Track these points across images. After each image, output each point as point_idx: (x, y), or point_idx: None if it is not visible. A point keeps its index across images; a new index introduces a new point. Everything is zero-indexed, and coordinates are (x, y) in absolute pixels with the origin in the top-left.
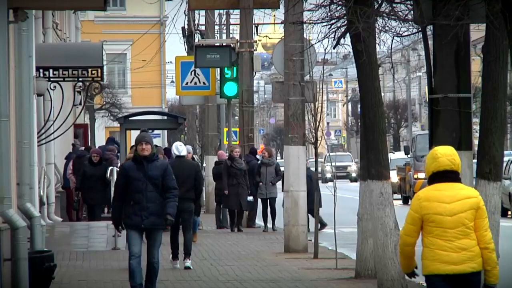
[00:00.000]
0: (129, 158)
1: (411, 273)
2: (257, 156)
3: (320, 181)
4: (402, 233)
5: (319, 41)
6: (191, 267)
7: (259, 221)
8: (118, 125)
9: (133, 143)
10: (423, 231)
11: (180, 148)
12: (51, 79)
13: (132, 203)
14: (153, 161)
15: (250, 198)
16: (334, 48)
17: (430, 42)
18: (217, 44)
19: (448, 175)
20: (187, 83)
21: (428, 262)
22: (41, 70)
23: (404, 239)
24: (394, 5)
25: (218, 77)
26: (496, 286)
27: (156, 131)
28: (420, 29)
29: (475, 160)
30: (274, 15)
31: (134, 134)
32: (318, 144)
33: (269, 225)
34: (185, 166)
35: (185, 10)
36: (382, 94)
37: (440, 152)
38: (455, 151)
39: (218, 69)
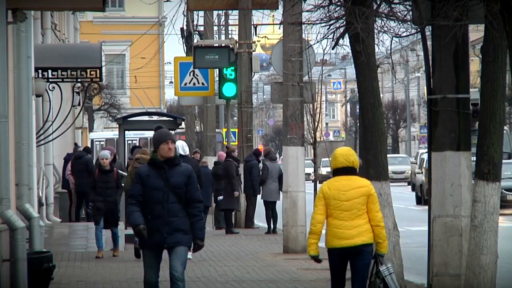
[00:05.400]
0: (138, 158)
1: (317, 257)
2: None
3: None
4: (313, 214)
5: (318, 42)
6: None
7: (257, 221)
8: (117, 125)
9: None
10: (327, 214)
11: (185, 148)
12: (50, 79)
13: (150, 217)
14: (175, 165)
15: (220, 197)
16: (333, 49)
17: (429, 43)
18: (216, 44)
19: (344, 170)
20: (186, 84)
21: (329, 238)
22: (40, 71)
23: (316, 217)
24: (393, 5)
25: (217, 78)
26: (385, 255)
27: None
28: (419, 29)
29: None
30: (273, 16)
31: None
32: (316, 145)
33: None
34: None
35: (184, 11)
36: (381, 94)
37: (338, 152)
38: (353, 151)
39: (217, 69)
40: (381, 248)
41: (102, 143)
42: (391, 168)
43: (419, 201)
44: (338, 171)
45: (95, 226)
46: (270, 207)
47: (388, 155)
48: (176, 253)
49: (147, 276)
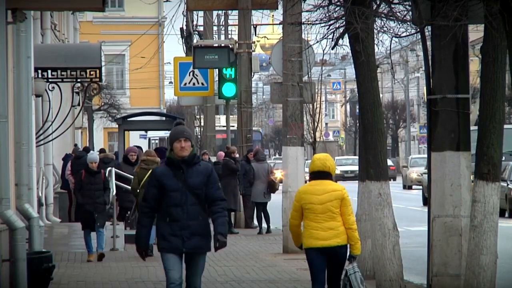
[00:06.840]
0: (144, 159)
1: (301, 246)
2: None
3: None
4: (289, 218)
5: (317, 42)
6: None
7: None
8: (117, 126)
9: (132, 143)
10: (303, 216)
11: None
12: (50, 80)
13: (169, 220)
14: (194, 164)
15: None
16: (332, 49)
17: (429, 43)
18: (216, 45)
19: (320, 174)
20: (185, 84)
21: (305, 239)
22: (39, 71)
23: (291, 222)
24: (393, 5)
25: (217, 78)
26: (358, 256)
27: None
28: (418, 29)
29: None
30: (273, 16)
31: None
32: (316, 145)
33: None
34: None
35: (183, 11)
36: (381, 94)
37: (316, 157)
38: (330, 157)
39: (217, 69)
40: (354, 249)
41: (156, 141)
42: (418, 169)
43: (426, 202)
44: (314, 175)
45: (83, 230)
46: (260, 208)
47: (415, 156)
48: (195, 265)
49: (170, 273)
